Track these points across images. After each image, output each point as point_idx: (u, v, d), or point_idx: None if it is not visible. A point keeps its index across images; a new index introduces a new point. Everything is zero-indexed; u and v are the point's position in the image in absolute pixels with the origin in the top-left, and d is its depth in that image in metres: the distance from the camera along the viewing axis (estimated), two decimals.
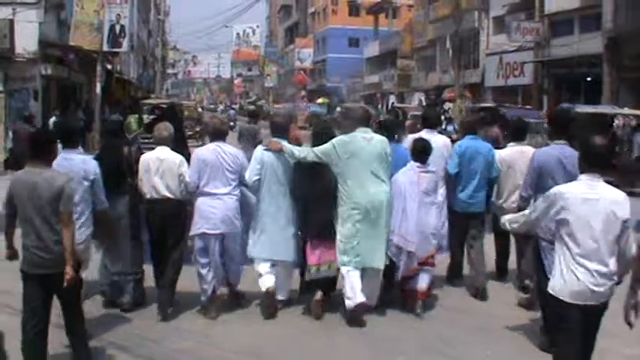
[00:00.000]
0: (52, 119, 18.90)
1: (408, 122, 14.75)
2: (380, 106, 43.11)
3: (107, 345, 5.48)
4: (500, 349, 5.68)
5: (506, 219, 5.03)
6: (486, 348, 5.67)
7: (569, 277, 4.05)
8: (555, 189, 4.27)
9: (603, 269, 4.03)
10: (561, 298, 4.09)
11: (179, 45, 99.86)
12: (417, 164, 6.44)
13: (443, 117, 21.00)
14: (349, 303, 6.07)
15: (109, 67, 28.00)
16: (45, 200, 4.48)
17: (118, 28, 24.27)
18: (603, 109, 18.50)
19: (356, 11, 63.44)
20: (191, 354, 5.44)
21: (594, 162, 4.15)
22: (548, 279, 4.33)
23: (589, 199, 4.05)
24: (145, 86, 47.95)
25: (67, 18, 22.81)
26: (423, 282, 6.40)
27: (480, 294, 6.93)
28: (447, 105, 28.75)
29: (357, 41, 61.86)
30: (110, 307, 6.31)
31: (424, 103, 35.65)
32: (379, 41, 51.64)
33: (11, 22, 18.92)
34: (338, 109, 34.38)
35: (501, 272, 7.67)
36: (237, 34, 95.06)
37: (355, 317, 6.07)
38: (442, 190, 6.79)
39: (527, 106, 24.12)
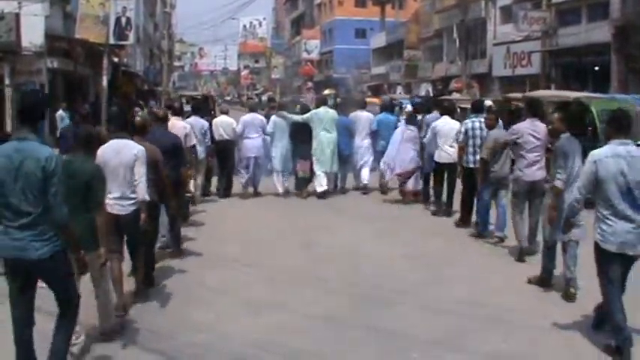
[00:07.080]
0: (59, 112, 18.96)
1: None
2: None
3: (118, 339, 5.43)
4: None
5: None
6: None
7: None
8: None
9: None
10: None
11: (185, 37, 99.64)
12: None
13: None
14: (319, 189, 12.72)
15: (116, 60, 28.00)
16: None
17: (124, 20, 24.20)
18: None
19: (362, 2, 63.26)
20: (203, 347, 5.40)
21: None
22: None
23: None
24: (152, 79, 47.91)
25: (72, 11, 22.84)
26: (410, 185, 12.29)
27: (382, 191, 13.16)
28: (455, 95, 28.74)
29: (364, 32, 61.69)
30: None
31: (431, 94, 35.60)
32: (386, 32, 51.51)
33: (17, 15, 18.89)
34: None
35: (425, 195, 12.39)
36: (244, 25, 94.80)
37: (321, 196, 12.64)
38: (367, 140, 13.34)
39: None
